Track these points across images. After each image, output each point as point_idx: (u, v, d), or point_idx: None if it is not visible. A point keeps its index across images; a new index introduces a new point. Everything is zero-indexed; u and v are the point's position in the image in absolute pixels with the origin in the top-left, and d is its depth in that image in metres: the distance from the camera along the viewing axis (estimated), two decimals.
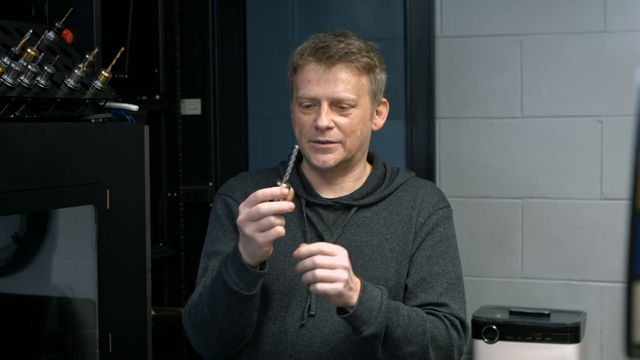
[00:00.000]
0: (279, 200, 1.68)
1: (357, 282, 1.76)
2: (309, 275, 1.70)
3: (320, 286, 1.70)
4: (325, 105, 1.90)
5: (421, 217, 1.98)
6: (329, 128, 1.90)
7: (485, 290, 3.00)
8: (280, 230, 1.70)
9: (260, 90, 3.27)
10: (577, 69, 2.90)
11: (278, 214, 1.69)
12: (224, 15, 3.24)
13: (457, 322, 1.91)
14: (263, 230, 1.69)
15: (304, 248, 1.72)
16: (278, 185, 1.69)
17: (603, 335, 2.90)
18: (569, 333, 2.74)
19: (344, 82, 1.90)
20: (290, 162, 1.73)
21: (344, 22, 3.11)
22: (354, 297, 1.75)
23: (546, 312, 2.82)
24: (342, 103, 1.91)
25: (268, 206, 1.68)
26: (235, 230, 1.87)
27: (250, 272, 1.76)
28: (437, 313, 1.90)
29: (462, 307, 1.95)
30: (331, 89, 1.90)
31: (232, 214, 1.97)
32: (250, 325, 1.88)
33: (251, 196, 1.70)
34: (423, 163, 3.02)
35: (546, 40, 2.93)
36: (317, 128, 1.90)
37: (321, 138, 1.91)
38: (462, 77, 3.02)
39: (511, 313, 2.85)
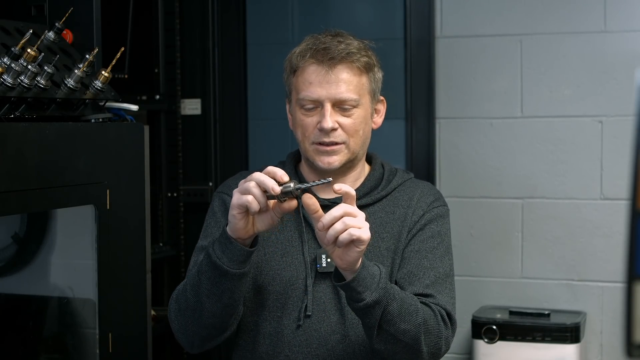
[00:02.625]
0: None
1: None
2: (345, 235, 1.66)
3: (348, 236, 1.65)
4: (328, 107, 1.90)
5: (415, 215, 1.98)
6: (333, 129, 1.90)
7: (485, 290, 3.00)
8: (251, 201, 1.68)
9: (260, 90, 3.27)
10: (577, 69, 2.90)
11: (264, 190, 1.68)
12: (224, 15, 3.24)
13: (444, 313, 1.89)
14: (241, 192, 1.70)
15: (328, 216, 1.67)
16: (290, 180, 1.69)
17: (603, 335, 2.90)
18: (569, 333, 2.74)
19: (346, 82, 1.90)
20: (314, 183, 1.72)
21: (344, 22, 3.11)
22: (358, 264, 1.72)
23: (546, 312, 2.82)
24: (344, 104, 1.91)
25: (259, 174, 1.69)
26: None
27: (233, 245, 1.74)
28: (425, 301, 1.88)
29: (449, 301, 1.93)
30: (334, 90, 1.90)
31: (228, 212, 1.97)
32: (233, 315, 1.85)
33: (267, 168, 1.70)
34: (423, 163, 3.02)
35: (546, 40, 2.93)
36: (321, 130, 1.90)
37: (326, 139, 1.91)
38: (462, 77, 3.02)
39: (511, 313, 2.85)
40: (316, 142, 1.92)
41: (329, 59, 1.90)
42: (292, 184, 1.68)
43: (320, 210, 1.69)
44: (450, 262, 1.99)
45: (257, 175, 1.69)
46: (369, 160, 2.07)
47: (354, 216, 1.67)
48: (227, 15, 3.24)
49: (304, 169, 2.03)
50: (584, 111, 2.90)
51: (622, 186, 2.87)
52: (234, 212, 1.72)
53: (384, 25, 3.13)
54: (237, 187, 1.98)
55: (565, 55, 2.92)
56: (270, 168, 1.70)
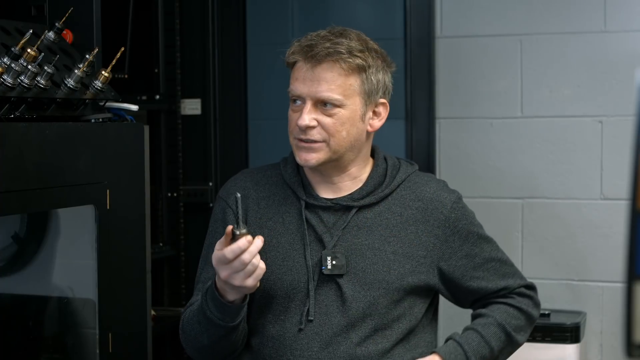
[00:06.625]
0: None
1: None
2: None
3: None
4: (308, 104, 1.88)
5: (436, 221, 1.95)
6: (310, 127, 1.88)
7: None
8: (263, 266, 1.78)
9: (260, 90, 3.27)
10: (577, 69, 2.90)
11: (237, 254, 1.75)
12: (224, 15, 3.24)
13: (523, 289, 2.03)
14: (251, 275, 1.76)
15: None
16: (237, 234, 1.74)
17: (603, 335, 2.90)
18: (569, 333, 2.74)
19: (328, 82, 1.87)
20: (239, 210, 1.77)
21: (344, 22, 3.09)
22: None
23: (546, 312, 2.82)
24: (326, 103, 1.89)
25: (250, 254, 1.74)
26: None
27: (233, 307, 1.83)
28: (503, 300, 2.01)
29: (517, 275, 2.05)
30: (315, 88, 1.87)
31: (228, 222, 1.96)
32: (242, 339, 1.93)
33: (221, 257, 1.75)
34: (423, 163, 3.02)
35: (546, 40, 2.93)
36: (299, 127, 1.89)
37: (302, 136, 1.89)
38: (462, 77, 3.02)
39: None
40: (297, 137, 1.91)
41: (311, 56, 1.88)
42: (243, 231, 1.75)
43: None
44: (489, 237, 2.04)
45: (249, 256, 1.75)
46: (373, 154, 2.04)
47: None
48: (227, 15, 3.24)
49: (305, 167, 2.01)
50: (584, 111, 2.90)
51: (622, 186, 2.87)
52: (228, 296, 1.82)
53: (384, 25, 3.13)
54: (237, 190, 1.95)
55: (565, 55, 2.92)
56: (231, 253, 1.75)
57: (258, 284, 1.81)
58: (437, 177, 3.01)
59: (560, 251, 2.94)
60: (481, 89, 3.00)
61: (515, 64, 2.96)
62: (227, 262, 1.74)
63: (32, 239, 2.18)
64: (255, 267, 1.76)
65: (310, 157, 1.90)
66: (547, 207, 2.95)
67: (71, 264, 2.19)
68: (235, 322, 1.83)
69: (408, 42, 3.05)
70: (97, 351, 1.98)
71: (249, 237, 1.75)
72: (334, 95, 1.87)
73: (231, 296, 1.81)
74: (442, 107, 3.03)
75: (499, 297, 2.01)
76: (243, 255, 1.74)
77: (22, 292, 2.23)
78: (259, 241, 1.76)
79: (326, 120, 1.88)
